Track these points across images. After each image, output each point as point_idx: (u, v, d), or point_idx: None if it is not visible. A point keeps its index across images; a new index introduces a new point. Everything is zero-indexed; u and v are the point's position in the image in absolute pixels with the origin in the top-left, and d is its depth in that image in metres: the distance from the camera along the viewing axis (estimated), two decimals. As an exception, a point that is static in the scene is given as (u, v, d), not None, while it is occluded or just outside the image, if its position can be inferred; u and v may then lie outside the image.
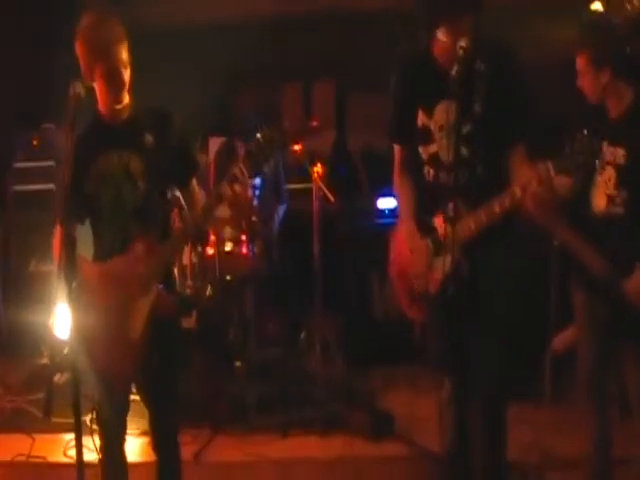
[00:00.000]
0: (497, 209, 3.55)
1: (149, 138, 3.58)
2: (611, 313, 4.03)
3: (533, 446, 4.73)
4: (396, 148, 3.96)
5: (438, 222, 3.70)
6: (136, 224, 3.60)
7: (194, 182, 3.83)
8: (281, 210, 6.43)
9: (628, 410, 4.12)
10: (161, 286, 3.57)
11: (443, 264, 3.56)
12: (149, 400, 3.78)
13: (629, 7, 5.53)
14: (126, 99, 3.64)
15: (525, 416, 4.78)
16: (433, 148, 3.72)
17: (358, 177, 6.81)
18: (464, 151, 3.62)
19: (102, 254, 3.64)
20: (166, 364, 3.69)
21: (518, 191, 3.49)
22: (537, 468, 4.66)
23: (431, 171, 3.76)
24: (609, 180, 4.01)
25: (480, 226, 3.59)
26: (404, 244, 3.90)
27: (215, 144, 6.72)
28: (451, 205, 3.58)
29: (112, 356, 3.51)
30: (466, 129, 3.61)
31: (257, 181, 6.15)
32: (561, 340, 5.14)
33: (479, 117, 3.61)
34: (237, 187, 3.54)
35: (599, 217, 4.05)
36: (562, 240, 4.21)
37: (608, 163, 4.01)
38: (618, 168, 3.96)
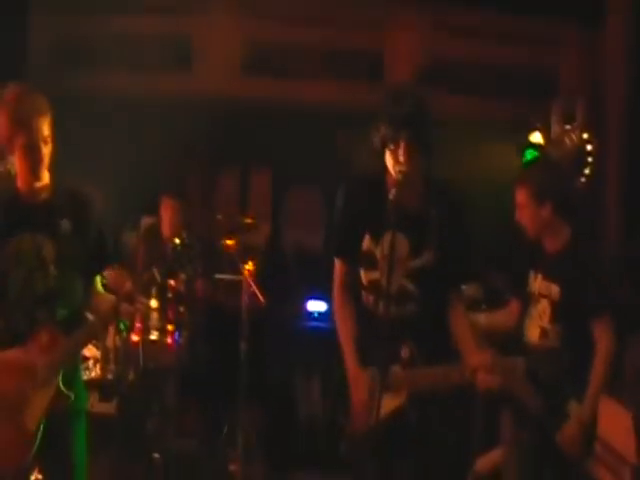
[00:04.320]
0: (452, 377, 3.60)
1: (66, 224, 3.51)
2: (538, 442, 4.11)
3: None
4: (338, 265, 3.89)
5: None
6: (44, 310, 3.52)
7: (98, 281, 3.75)
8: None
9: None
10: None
11: (391, 404, 3.60)
12: None
13: (568, 142, 5.74)
14: (46, 178, 3.57)
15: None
16: (375, 275, 3.71)
17: (290, 275, 6.84)
18: (410, 286, 3.69)
19: (6, 337, 3.53)
20: (65, 458, 3.57)
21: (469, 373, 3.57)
22: None
23: (371, 298, 3.75)
24: (543, 313, 4.12)
25: (433, 383, 3.63)
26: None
27: (147, 223, 6.65)
28: (406, 346, 3.65)
29: (4, 447, 3.41)
30: (414, 264, 3.68)
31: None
32: (485, 462, 5.21)
33: (431, 258, 3.67)
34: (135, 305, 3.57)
35: (532, 348, 4.15)
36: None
37: (543, 296, 4.13)
38: (553, 303, 4.08)
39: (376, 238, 3.70)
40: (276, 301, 6.26)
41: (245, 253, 5.93)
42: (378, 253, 3.69)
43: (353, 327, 3.82)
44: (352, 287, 3.85)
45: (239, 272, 5.86)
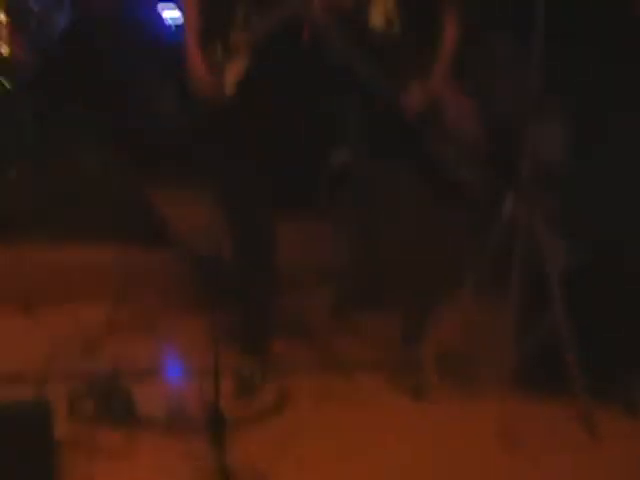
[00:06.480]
0: (287, 12, 3.67)
1: None
2: (383, 128, 4.19)
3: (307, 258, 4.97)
4: None
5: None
6: None
7: None
8: (62, 19, 6.17)
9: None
10: None
11: (235, 70, 3.73)
12: None
13: None
14: None
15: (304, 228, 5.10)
16: None
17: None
18: None
19: None
20: None
21: None
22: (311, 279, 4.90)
23: None
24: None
25: (270, 30, 3.72)
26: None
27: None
28: (242, 13, 3.73)
29: None
30: None
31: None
32: (339, 155, 5.35)
33: None
34: None
35: (375, 35, 4.15)
36: (341, 55, 4.29)
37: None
38: None
39: None
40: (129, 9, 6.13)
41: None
42: None
43: (197, 13, 3.94)
44: None
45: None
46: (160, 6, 6.27)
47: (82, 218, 5.15)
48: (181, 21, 6.00)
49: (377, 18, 4.12)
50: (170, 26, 6.28)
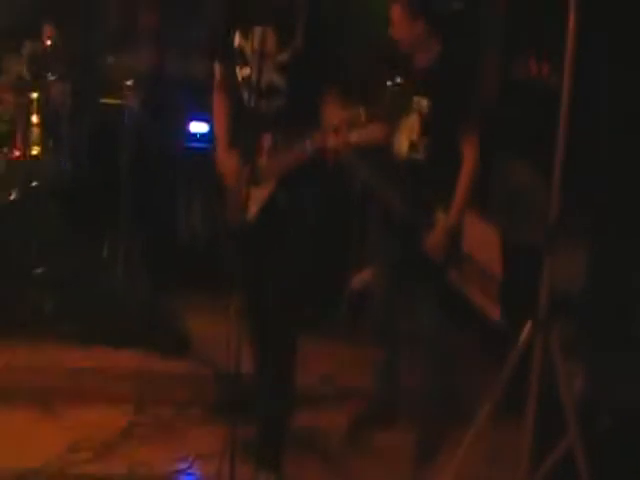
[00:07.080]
0: (309, 147, 3.70)
1: None
2: (404, 255, 4.30)
3: (327, 377, 5.04)
4: (216, 67, 4.05)
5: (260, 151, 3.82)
6: None
7: None
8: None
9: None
10: None
11: (261, 195, 3.76)
12: None
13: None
14: None
15: (322, 350, 5.17)
16: (247, 71, 3.82)
17: (173, 98, 6.77)
18: (278, 80, 3.78)
19: None
20: None
21: (329, 132, 3.65)
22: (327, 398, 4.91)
23: (245, 94, 3.85)
24: (413, 127, 4.25)
25: (294, 162, 3.75)
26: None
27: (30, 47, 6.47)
28: (268, 136, 3.78)
29: None
30: (282, 58, 3.76)
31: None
32: (359, 279, 5.44)
33: (298, 49, 3.75)
34: None
35: (400, 161, 4.29)
36: (365, 181, 4.44)
37: (413, 110, 4.25)
38: (422, 117, 4.20)
39: (245, 33, 3.80)
40: (159, 122, 6.28)
41: (127, 73, 5.90)
42: (248, 49, 3.79)
43: (226, 119, 4.03)
44: (230, 88, 3.98)
45: (121, 94, 5.85)
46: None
47: (106, 321, 5.31)
48: (206, 131, 6.27)
49: (402, 144, 4.27)
50: (195, 134, 6.44)
